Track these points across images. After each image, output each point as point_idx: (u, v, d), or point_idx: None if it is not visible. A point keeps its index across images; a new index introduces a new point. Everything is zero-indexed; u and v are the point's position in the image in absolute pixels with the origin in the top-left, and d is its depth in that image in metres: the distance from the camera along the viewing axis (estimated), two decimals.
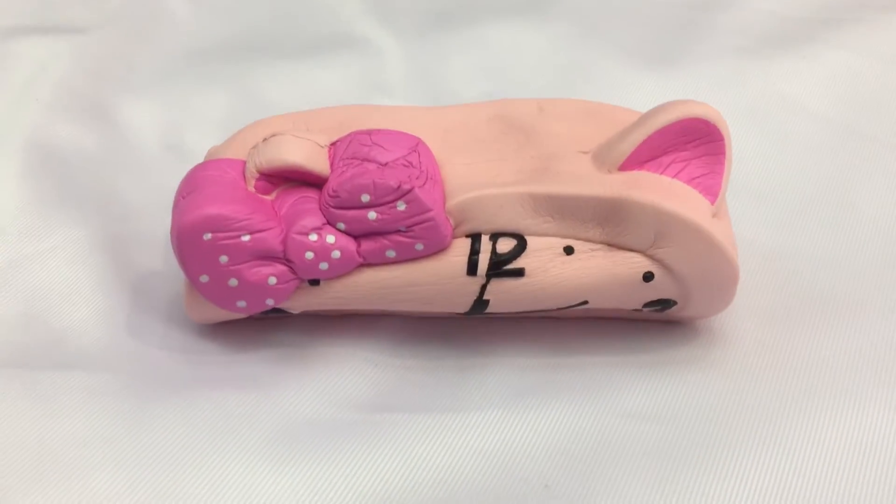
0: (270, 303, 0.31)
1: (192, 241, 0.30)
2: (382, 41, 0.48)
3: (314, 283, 0.31)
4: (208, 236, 0.29)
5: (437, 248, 0.30)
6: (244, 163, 0.31)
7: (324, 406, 0.32)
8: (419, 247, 0.30)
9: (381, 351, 0.34)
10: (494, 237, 0.31)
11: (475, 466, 0.30)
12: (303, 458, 0.30)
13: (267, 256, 0.30)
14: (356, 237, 0.30)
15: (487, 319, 0.34)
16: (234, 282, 0.30)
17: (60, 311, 0.35)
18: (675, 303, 0.32)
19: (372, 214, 0.30)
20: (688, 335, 0.35)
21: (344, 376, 0.33)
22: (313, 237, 0.30)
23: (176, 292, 0.35)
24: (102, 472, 0.30)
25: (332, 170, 0.30)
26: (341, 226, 0.30)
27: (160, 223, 0.36)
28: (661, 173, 0.31)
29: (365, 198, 0.29)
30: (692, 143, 0.31)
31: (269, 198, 0.31)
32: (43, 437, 0.31)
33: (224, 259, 0.30)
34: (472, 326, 0.35)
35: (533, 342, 0.34)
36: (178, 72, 0.46)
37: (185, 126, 0.43)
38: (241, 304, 0.31)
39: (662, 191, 0.30)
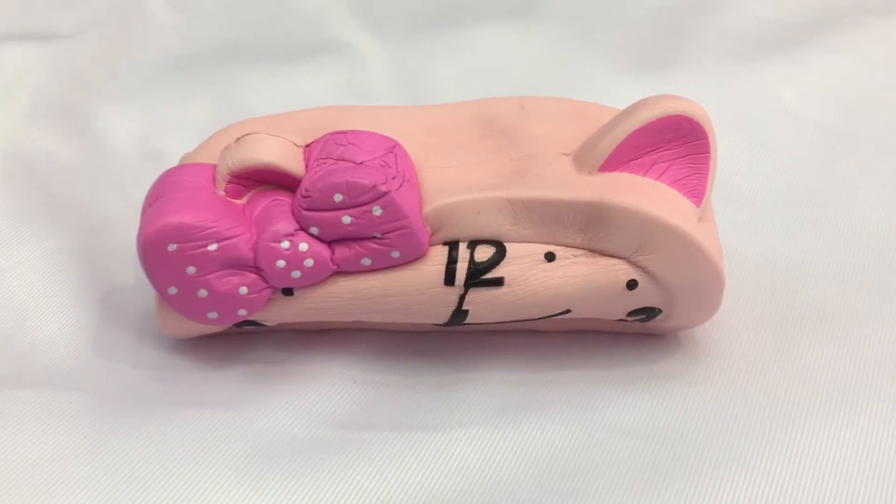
0: (243, 313, 0.30)
1: (156, 253, 0.29)
2: (367, 46, 0.48)
3: (288, 292, 0.30)
4: (173, 247, 0.28)
5: (413, 256, 0.29)
6: (215, 167, 0.30)
7: (301, 424, 0.31)
8: (395, 254, 0.29)
9: (360, 367, 0.33)
10: (472, 245, 0.30)
11: (457, 485, 0.30)
12: (279, 478, 0.29)
13: (236, 265, 0.29)
14: (330, 243, 0.29)
15: (468, 333, 0.34)
16: (203, 293, 0.29)
17: (31, 326, 0.34)
18: (659, 311, 0.31)
19: (346, 219, 0.29)
20: (674, 348, 0.34)
21: (321, 393, 0.32)
22: (285, 244, 0.29)
23: (149, 307, 0.34)
24: (74, 491, 0.29)
25: (306, 171, 0.29)
26: (314, 230, 0.29)
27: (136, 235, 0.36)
28: (644, 175, 0.30)
29: (338, 198, 0.28)
30: (675, 141, 0.30)
31: (240, 202, 0.30)
32: (12, 457, 0.30)
33: (192, 270, 0.29)
34: (453, 341, 0.34)
35: (515, 357, 0.33)
36: (158, 79, 0.45)
37: (164, 135, 0.42)
38: (213, 315, 0.30)
39: (646, 194, 0.29)
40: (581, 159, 0.30)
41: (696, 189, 0.30)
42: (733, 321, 0.34)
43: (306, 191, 0.29)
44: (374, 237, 0.29)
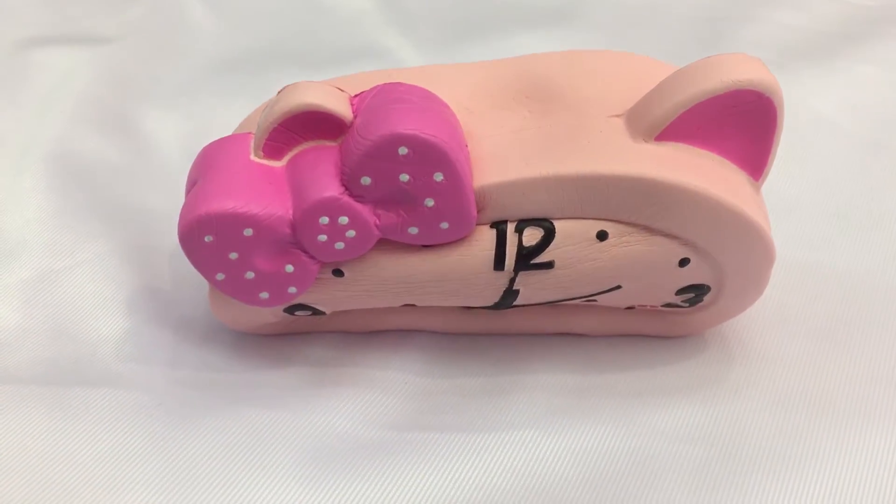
0: (293, 291, 0.29)
1: (195, 246, 0.28)
2: (404, 52, 0.48)
3: (338, 273, 0.29)
4: (209, 238, 0.28)
5: (462, 231, 0.28)
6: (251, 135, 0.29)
7: (355, 425, 0.32)
8: (444, 225, 0.28)
9: (412, 369, 0.33)
10: (520, 227, 0.28)
11: (509, 486, 0.30)
12: (334, 479, 0.30)
13: (278, 244, 0.28)
14: (375, 205, 0.27)
15: (517, 337, 0.34)
16: (250, 274, 0.28)
17: (88, 326, 0.34)
18: (708, 289, 0.30)
19: (405, 176, 0.26)
20: (719, 355, 0.34)
21: (375, 395, 0.33)
22: (324, 220, 0.27)
23: (204, 306, 0.34)
24: (132, 491, 0.29)
25: (356, 115, 0.27)
26: (366, 180, 0.27)
27: None
28: (704, 147, 0.28)
29: (403, 150, 0.26)
30: (741, 114, 0.27)
31: (279, 164, 0.28)
32: (73, 456, 0.30)
33: (234, 256, 0.28)
34: (502, 344, 0.34)
35: (563, 362, 0.34)
36: (201, 82, 0.46)
37: (208, 137, 0.43)
38: (264, 295, 0.29)
39: (706, 171, 0.28)
40: (635, 124, 0.28)
41: (756, 162, 0.28)
42: (776, 328, 0.34)
43: (367, 133, 0.26)
44: (425, 204, 0.27)
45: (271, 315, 0.32)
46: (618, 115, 0.28)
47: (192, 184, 0.29)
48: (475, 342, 0.34)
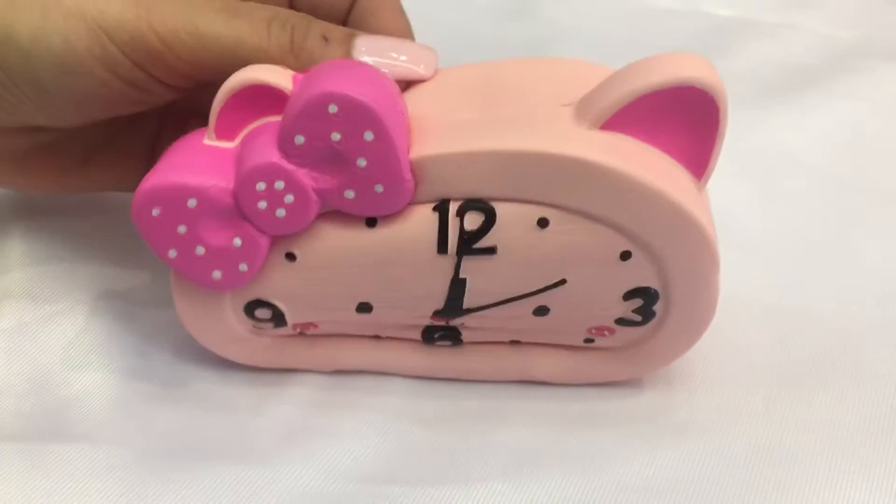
0: (244, 268, 0.29)
1: (145, 221, 0.29)
2: None
3: (290, 257, 0.30)
4: (156, 211, 0.28)
5: (398, 197, 0.28)
6: None
7: (329, 480, 0.31)
8: (379, 188, 0.28)
9: (384, 418, 0.33)
10: (461, 211, 0.29)
11: None
12: None
13: (224, 216, 0.29)
14: (310, 168, 0.28)
15: (484, 386, 0.34)
16: (200, 249, 0.29)
17: (62, 379, 0.34)
18: (657, 294, 0.30)
19: (336, 135, 0.27)
20: (678, 400, 0.34)
21: (346, 446, 0.32)
22: (260, 186, 0.28)
23: (184, 352, 0.34)
24: None
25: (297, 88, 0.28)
26: (300, 139, 0.27)
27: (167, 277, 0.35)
28: (646, 140, 0.28)
29: (332, 108, 0.27)
30: (684, 110, 0.28)
31: (231, 145, 0.29)
32: None
33: (182, 229, 0.29)
34: (474, 392, 0.34)
35: (534, 411, 0.34)
36: None
37: None
38: (217, 274, 0.30)
39: (647, 163, 0.28)
40: (582, 112, 0.28)
41: (698, 160, 0.29)
42: (737, 371, 0.34)
43: (301, 95, 0.27)
44: (358, 164, 0.28)
45: (235, 319, 0.32)
46: (567, 105, 0.29)
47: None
48: (446, 391, 0.34)
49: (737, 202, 0.40)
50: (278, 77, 0.28)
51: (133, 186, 0.29)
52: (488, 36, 0.52)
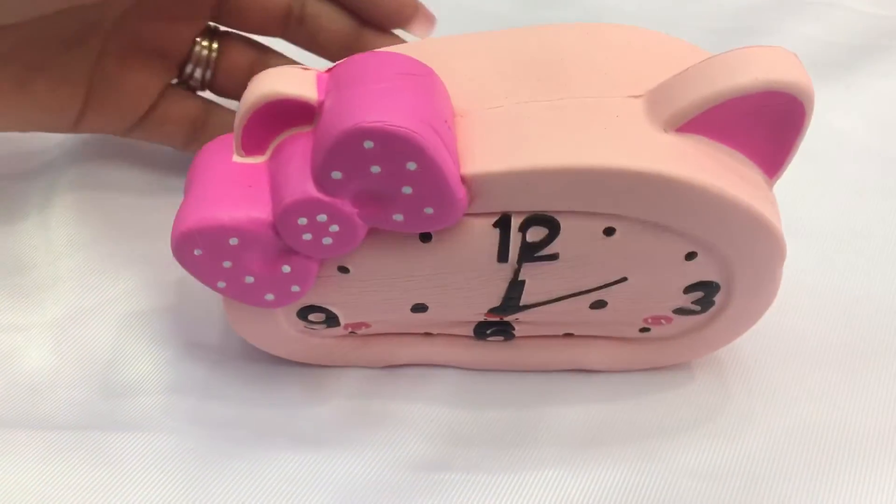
0: (297, 290, 0.28)
1: (188, 261, 0.27)
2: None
3: (343, 270, 0.29)
4: (199, 252, 0.27)
5: (450, 215, 0.26)
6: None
7: (381, 466, 0.32)
8: (429, 210, 0.26)
9: (436, 407, 0.33)
10: (524, 227, 0.27)
11: None
12: None
13: (268, 248, 0.27)
14: (353, 197, 0.26)
15: (536, 375, 0.34)
16: (249, 279, 0.28)
17: (118, 366, 0.34)
18: (718, 287, 0.29)
19: (375, 168, 0.25)
20: (737, 387, 0.34)
21: (400, 434, 0.33)
22: (302, 220, 0.26)
23: (234, 339, 0.34)
24: None
25: (326, 94, 0.26)
26: (336, 175, 0.25)
27: None
28: (723, 141, 0.26)
29: (368, 144, 0.24)
30: (770, 113, 0.25)
31: (262, 159, 0.27)
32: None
33: (228, 264, 0.27)
34: (523, 380, 0.34)
35: (586, 396, 0.33)
36: None
37: None
38: (269, 297, 0.29)
39: (725, 170, 0.26)
40: (657, 111, 0.26)
41: (774, 160, 0.27)
42: (796, 357, 0.34)
43: (331, 125, 0.24)
44: (403, 192, 0.25)
45: (287, 323, 0.31)
46: (637, 96, 0.26)
47: (186, 193, 0.29)
48: (497, 378, 0.34)
49: (787, 183, 0.39)
50: (301, 85, 0.26)
51: (70, 121, 0.26)
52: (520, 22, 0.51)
